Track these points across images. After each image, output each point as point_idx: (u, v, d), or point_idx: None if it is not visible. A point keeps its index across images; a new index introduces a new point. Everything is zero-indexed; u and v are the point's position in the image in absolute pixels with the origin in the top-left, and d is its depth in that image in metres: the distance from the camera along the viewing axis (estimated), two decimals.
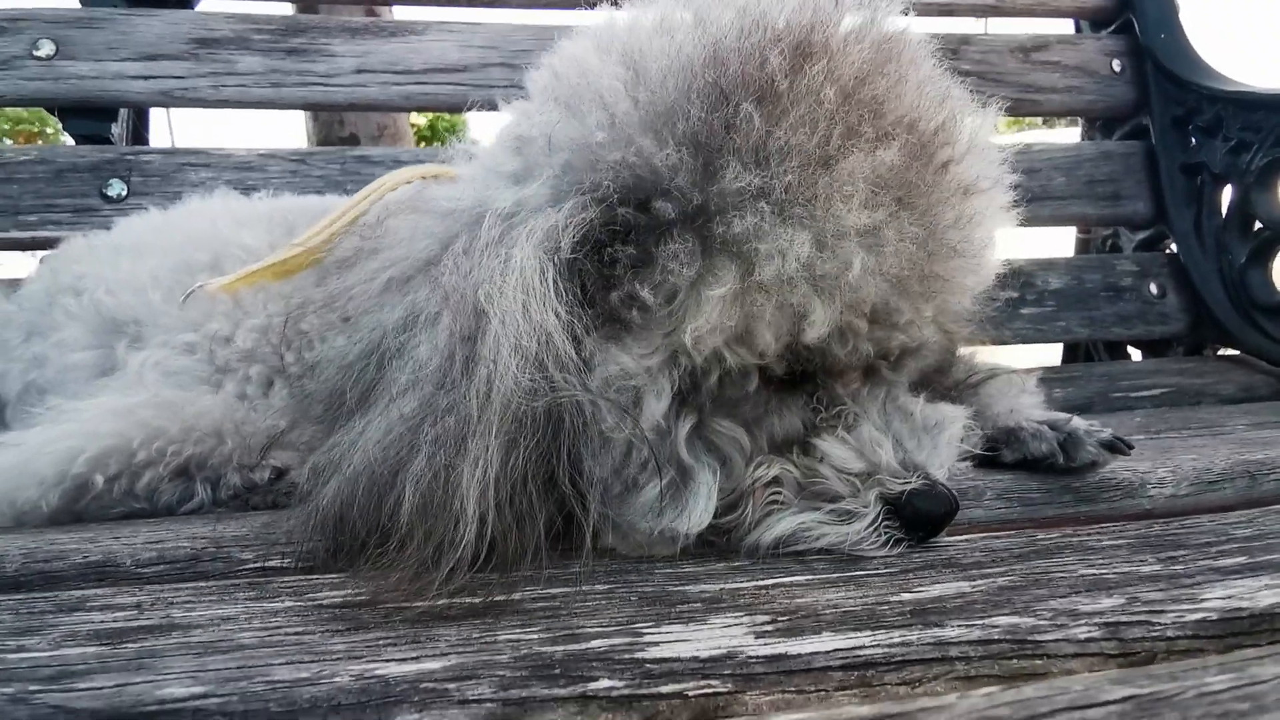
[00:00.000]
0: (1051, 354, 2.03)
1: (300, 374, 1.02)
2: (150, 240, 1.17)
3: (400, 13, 2.52)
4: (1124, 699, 0.41)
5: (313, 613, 0.53)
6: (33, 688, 0.44)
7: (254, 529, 0.76)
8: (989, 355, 0.98)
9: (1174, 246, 1.88)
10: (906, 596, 0.54)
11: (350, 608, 0.54)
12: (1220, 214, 1.78)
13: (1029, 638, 0.48)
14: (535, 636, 0.49)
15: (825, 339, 0.62)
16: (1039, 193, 1.87)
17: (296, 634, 0.50)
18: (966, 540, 0.68)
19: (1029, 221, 0.77)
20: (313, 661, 0.45)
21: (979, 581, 0.56)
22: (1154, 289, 1.86)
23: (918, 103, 0.63)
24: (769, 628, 0.49)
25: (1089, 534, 0.68)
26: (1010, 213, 0.73)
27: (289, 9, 2.43)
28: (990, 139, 0.72)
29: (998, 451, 0.88)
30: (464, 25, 1.75)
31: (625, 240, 0.63)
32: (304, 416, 0.96)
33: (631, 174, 0.62)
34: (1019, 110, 1.99)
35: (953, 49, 2.11)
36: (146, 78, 1.61)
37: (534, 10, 1.94)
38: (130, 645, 0.48)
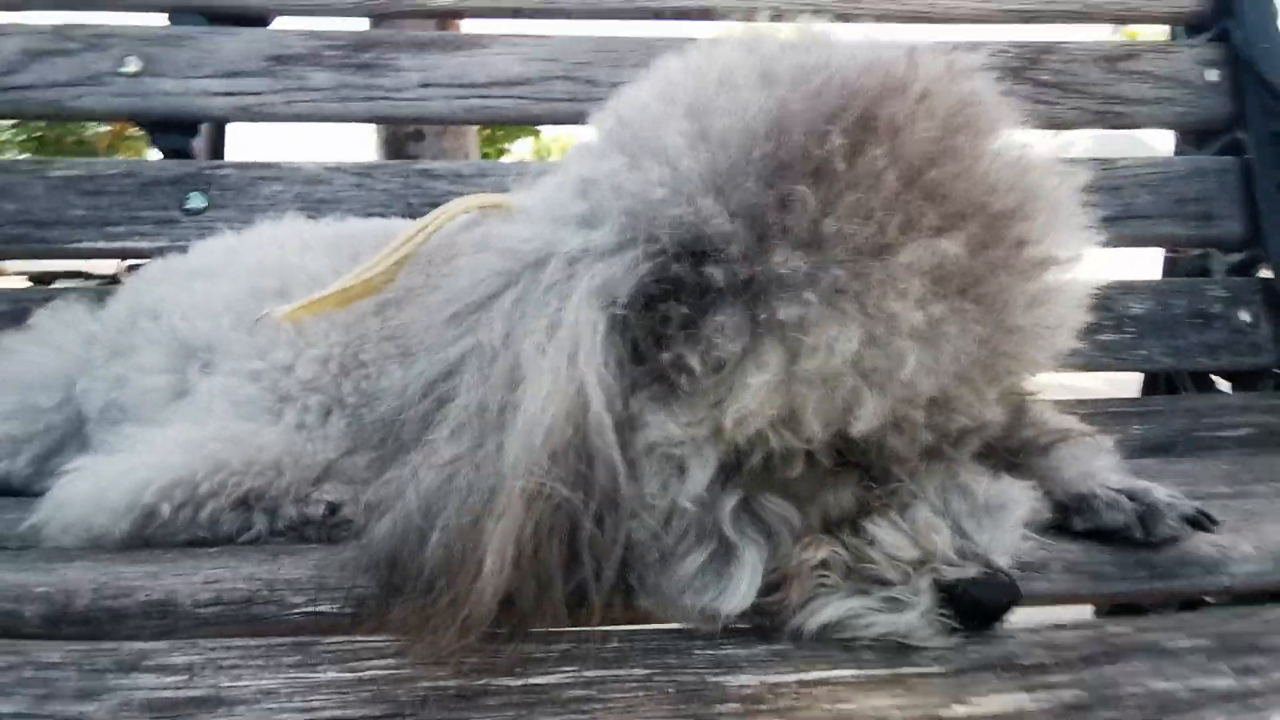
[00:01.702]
0: (1124, 384, 1.92)
1: (358, 404, 1.05)
2: (222, 265, 1.20)
3: (467, 26, 2.53)
4: None
5: (352, 690, 0.54)
6: None
7: (306, 570, 0.78)
8: (1059, 391, 0.91)
9: (1268, 272, 1.75)
10: (960, 711, 0.51)
11: (390, 684, 0.55)
12: None
13: None
14: None
15: (878, 430, 0.59)
16: (1121, 212, 1.76)
17: (334, 719, 0.50)
18: (1029, 631, 0.64)
19: (1109, 243, 0.70)
20: None
21: (1040, 694, 0.53)
22: (1246, 316, 1.73)
23: (991, 180, 0.59)
24: None
25: (1163, 630, 0.64)
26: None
27: (365, 25, 2.45)
28: (1075, 199, 0.66)
29: (1067, 518, 0.84)
30: (527, 39, 1.75)
31: (679, 299, 0.62)
32: (362, 444, 0.98)
33: (689, 232, 0.61)
34: (1103, 123, 1.88)
35: (1032, 58, 2.02)
36: (227, 94, 1.66)
37: (596, 20, 1.93)
38: None
